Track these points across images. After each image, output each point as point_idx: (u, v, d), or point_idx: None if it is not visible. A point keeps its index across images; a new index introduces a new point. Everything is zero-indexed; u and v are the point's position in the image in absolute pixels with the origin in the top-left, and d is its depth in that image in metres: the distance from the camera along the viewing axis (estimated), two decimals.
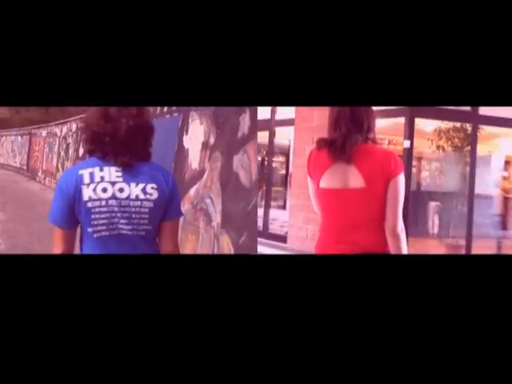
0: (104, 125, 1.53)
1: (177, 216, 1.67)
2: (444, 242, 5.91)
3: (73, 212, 1.51)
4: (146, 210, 1.56)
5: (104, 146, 1.54)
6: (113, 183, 1.53)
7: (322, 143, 1.84)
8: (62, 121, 12.60)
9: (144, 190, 1.56)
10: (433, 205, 6.10)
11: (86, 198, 1.50)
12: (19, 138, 18.07)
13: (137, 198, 1.55)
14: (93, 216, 1.51)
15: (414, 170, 5.80)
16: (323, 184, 1.82)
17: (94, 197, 1.51)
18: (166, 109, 4.81)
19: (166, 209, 1.60)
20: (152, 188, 1.57)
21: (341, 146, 1.77)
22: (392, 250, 1.74)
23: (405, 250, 1.75)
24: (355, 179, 1.76)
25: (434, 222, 6.06)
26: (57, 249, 1.53)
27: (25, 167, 16.61)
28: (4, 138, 21.01)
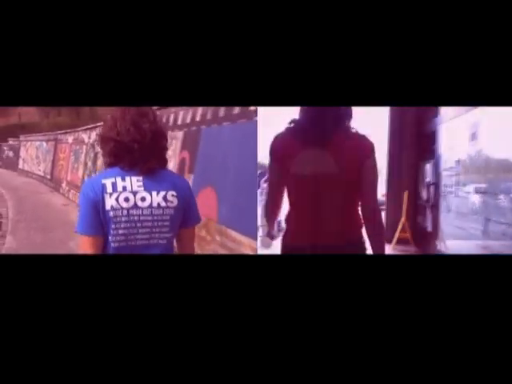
0: (128, 131, 1.55)
1: (196, 222, 1.71)
2: None
3: (99, 218, 1.53)
4: (168, 217, 1.59)
5: (131, 154, 1.56)
6: (134, 193, 1.56)
7: (293, 127, 1.78)
8: (90, 126, 11.10)
9: (165, 198, 1.59)
10: None
11: (108, 207, 1.53)
12: (44, 143, 16.66)
13: (159, 206, 1.58)
14: (113, 226, 1.54)
15: None
16: (295, 170, 1.73)
17: (117, 206, 1.54)
18: (237, 110, 4.01)
19: (185, 215, 1.65)
20: (172, 195, 1.60)
21: (315, 129, 1.72)
22: (370, 234, 1.74)
23: (383, 232, 1.80)
24: (328, 164, 1.70)
25: None
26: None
27: (48, 176, 15.27)
28: (29, 143, 19.63)
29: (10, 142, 23.65)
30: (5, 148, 24.36)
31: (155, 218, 1.57)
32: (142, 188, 1.57)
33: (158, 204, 1.58)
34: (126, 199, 1.55)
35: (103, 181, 1.55)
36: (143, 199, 1.56)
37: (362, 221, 1.74)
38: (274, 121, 3.23)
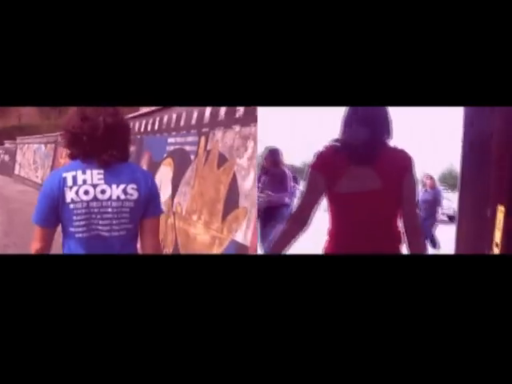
0: (81, 125, 1.61)
1: (157, 214, 1.76)
2: None
3: (55, 213, 1.62)
4: (127, 209, 1.66)
5: (84, 147, 1.63)
6: (95, 185, 1.63)
7: (338, 144, 1.81)
8: None
9: (125, 191, 1.65)
10: None
11: (68, 200, 1.61)
12: (43, 146, 14.73)
13: (118, 199, 1.64)
14: (74, 217, 1.62)
15: None
16: (342, 189, 1.77)
17: (77, 199, 1.61)
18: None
19: (147, 207, 1.70)
20: (132, 188, 1.66)
21: (362, 147, 1.76)
22: (412, 248, 1.77)
23: (424, 249, 1.81)
24: (373, 181, 1.74)
25: None
26: (35, 245, 1.64)
27: None
28: (26, 146, 17.68)
29: (7, 144, 21.64)
30: (0, 151, 22.38)
31: (115, 210, 1.65)
32: (103, 181, 1.64)
33: (118, 197, 1.65)
34: (86, 192, 1.62)
35: (64, 174, 1.63)
36: (103, 192, 1.64)
37: (403, 235, 1.78)
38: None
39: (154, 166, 5.09)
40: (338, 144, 1.81)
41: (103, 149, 1.64)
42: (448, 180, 26.47)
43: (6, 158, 21.20)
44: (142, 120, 5.89)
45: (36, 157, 15.73)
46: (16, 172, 18.60)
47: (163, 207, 3.62)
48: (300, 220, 1.82)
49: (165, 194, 4.49)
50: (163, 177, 4.69)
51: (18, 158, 18.71)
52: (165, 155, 4.81)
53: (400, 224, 1.79)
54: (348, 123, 1.82)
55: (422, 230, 1.80)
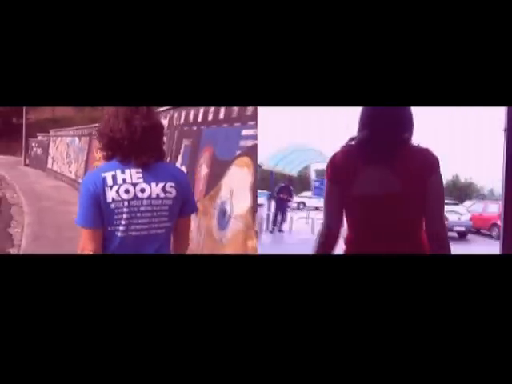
0: (120, 129, 1.65)
1: (192, 212, 1.82)
2: None
3: (100, 211, 1.64)
4: (166, 207, 1.70)
5: (122, 150, 1.67)
6: (134, 184, 1.67)
7: (353, 144, 1.70)
8: None
9: (164, 189, 1.70)
10: None
11: (109, 199, 1.63)
12: (76, 139, 13.87)
13: (158, 197, 1.69)
14: (116, 217, 1.64)
15: None
16: (357, 191, 1.64)
17: (117, 198, 1.64)
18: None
19: (183, 205, 1.75)
20: (171, 186, 1.71)
21: (379, 146, 1.63)
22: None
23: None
24: (393, 184, 1.60)
25: None
26: (88, 249, 1.64)
27: (81, 180, 12.22)
28: (59, 139, 16.88)
29: (39, 137, 20.97)
30: (33, 144, 21.83)
31: (154, 208, 1.68)
32: (142, 180, 1.68)
33: (157, 195, 1.69)
34: (127, 191, 1.65)
35: (103, 174, 1.65)
36: (143, 190, 1.67)
37: (427, 242, 1.64)
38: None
39: (220, 166, 3.97)
40: (352, 143, 1.71)
41: (141, 151, 1.68)
42: (453, 192, 24.98)
43: (39, 151, 20.60)
44: (198, 109, 4.76)
45: (70, 150, 14.94)
46: (49, 166, 17.92)
47: (241, 223, 3.40)
48: (329, 228, 1.73)
49: (241, 205, 3.38)
50: (236, 182, 3.60)
51: (51, 151, 18.06)
52: (238, 152, 3.67)
53: (424, 234, 1.64)
54: (364, 120, 1.70)
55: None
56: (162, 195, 1.69)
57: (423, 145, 1.64)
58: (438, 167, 1.61)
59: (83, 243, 1.65)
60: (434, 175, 1.59)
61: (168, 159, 5.21)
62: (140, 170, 1.67)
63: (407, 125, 1.67)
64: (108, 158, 1.71)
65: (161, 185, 1.69)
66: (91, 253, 1.63)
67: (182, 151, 5.20)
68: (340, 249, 1.73)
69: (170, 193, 1.70)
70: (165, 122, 5.87)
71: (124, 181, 1.65)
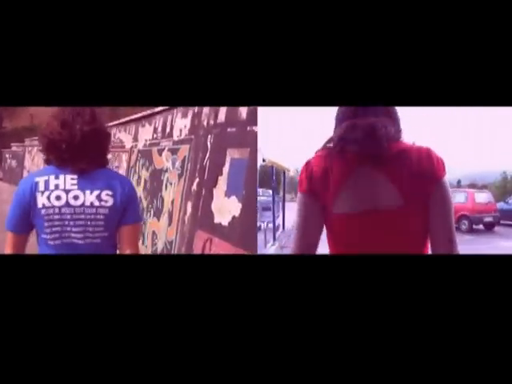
0: (60, 132, 1.64)
1: (134, 221, 1.77)
2: None
3: (27, 218, 1.64)
4: (102, 216, 1.67)
5: (61, 154, 1.66)
6: (67, 191, 1.64)
7: (333, 148, 1.39)
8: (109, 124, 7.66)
9: (99, 197, 1.66)
10: None
11: (40, 205, 1.63)
12: None
13: (92, 205, 1.66)
14: (46, 224, 1.63)
15: None
16: (340, 207, 1.35)
17: (48, 204, 1.62)
18: None
19: (123, 214, 1.71)
20: (107, 195, 1.68)
21: (370, 136, 1.32)
22: None
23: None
24: (388, 195, 1.32)
25: None
26: (8, 251, 1.66)
27: None
28: (35, 149, 15.82)
29: (14, 147, 19.65)
30: (7, 155, 20.47)
31: (88, 216, 1.65)
32: (76, 187, 1.65)
33: (91, 203, 1.65)
34: (58, 197, 1.62)
35: (36, 179, 1.64)
36: (76, 198, 1.64)
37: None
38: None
39: None
40: (331, 146, 1.41)
41: (80, 156, 1.66)
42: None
43: (14, 163, 19.35)
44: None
45: None
46: None
47: None
48: (308, 247, 1.46)
49: None
50: None
51: (27, 163, 16.98)
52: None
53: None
54: (342, 118, 1.44)
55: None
56: (96, 203, 1.68)
57: (421, 143, 1.39)
58: (444, 171, 1.35)
59: (5, 246, 1.67)
60: (439, 181, 1.33)
61: (197, 180, 3.93)
62: (76, 177, 1.67)
63: (394, 116, 1.43)
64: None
65: (96, 193, 1.68)
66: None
67: (226, 169, 3.46)
68: None
69: (106, 201, 1.69)
70: (185, 123, 4.54)
71: (56, 187, 1.65)
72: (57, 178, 1.64)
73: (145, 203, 5.35)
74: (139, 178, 5.79)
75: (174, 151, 4.75)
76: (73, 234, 1.64)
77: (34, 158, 16.07)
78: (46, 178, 1.64)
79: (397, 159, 1.32)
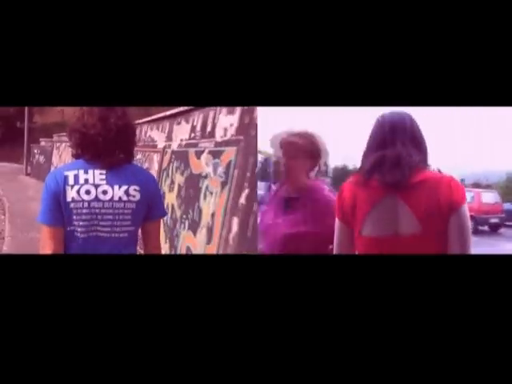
0: (95, 125, 1.66)
1: (160, 216, 1.83)
2: None
3: (60, 210, 1.66)
4: (129, 211, 1.70)
5: (93, 147, 1.68)
6: (96, 186, 1.67)
7: (364, 171, 1.52)
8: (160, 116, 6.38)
9: (127, 192, 1.69)
10: None
11: (69, 199, 1.65)
12: None
13: (120, 200, 1.69)
14: (75, 217, 1.66)
15: None
16: (366, 231, 1.49)
17: (78, 198, 1.65)
18: None
19: (149, 210, 1.75)
20: (135, 190, 1.71)
21: (395, 166, 1.44)
22: None
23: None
24: (408, 221, 1.43)
25: None
26: (47, 248, 1.66)
27: None
28: (63, 145, 16.18)
29: (42, 142, 19.74)
30: (35, 151, 20.76)
31: (116, 211, 1.68)
32: (105, 182, 1.68)
33: (120, 198, 1.68)
34: (87, 192, 1.65)
35: (66, 173, 1.67)
36: (105, 192, 1.67)
37: None
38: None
39: None
40: (364, 170, 1.53)
41: (112, 150, 1.70)
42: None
43: (41, 159, 19.51)
44: None
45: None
46: None
47: None
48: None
49: None
50: None
51: (54, 159, 17.23)
52: None
53: None
54: (372, 147, 1.54)
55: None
56: (124, 198, 1.70)
57: (444, 171, 1.50)
58: (464, 200, 1.43)
59: (43, 241, 1.68)
60: (459, 208, 1.41)
61: (247, 191, 3.52)
62: (104, 172, 1.70)
63: (421, 146, 1.53)
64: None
65: (124, 188, 1.70)
66: (50, 251, 1.66)
67: None
68: None
69: (134, 196, 1.71)
70: (232, 121, 3.92)
71: (86, 181, 1.67)
72: (86, 172, 1.67)
73: (178, 213, 4.73)
74: (172, 182, 5.16)
75: (215, 154, 4.00)
76: (100, 228, 1.68)
77: (61, 155, 16.34)
78: (75, 172, 1.67)
79: (418, 187, 1.42)
